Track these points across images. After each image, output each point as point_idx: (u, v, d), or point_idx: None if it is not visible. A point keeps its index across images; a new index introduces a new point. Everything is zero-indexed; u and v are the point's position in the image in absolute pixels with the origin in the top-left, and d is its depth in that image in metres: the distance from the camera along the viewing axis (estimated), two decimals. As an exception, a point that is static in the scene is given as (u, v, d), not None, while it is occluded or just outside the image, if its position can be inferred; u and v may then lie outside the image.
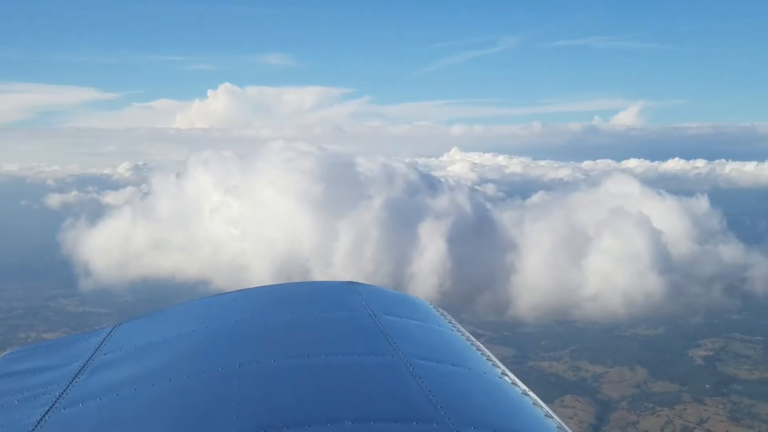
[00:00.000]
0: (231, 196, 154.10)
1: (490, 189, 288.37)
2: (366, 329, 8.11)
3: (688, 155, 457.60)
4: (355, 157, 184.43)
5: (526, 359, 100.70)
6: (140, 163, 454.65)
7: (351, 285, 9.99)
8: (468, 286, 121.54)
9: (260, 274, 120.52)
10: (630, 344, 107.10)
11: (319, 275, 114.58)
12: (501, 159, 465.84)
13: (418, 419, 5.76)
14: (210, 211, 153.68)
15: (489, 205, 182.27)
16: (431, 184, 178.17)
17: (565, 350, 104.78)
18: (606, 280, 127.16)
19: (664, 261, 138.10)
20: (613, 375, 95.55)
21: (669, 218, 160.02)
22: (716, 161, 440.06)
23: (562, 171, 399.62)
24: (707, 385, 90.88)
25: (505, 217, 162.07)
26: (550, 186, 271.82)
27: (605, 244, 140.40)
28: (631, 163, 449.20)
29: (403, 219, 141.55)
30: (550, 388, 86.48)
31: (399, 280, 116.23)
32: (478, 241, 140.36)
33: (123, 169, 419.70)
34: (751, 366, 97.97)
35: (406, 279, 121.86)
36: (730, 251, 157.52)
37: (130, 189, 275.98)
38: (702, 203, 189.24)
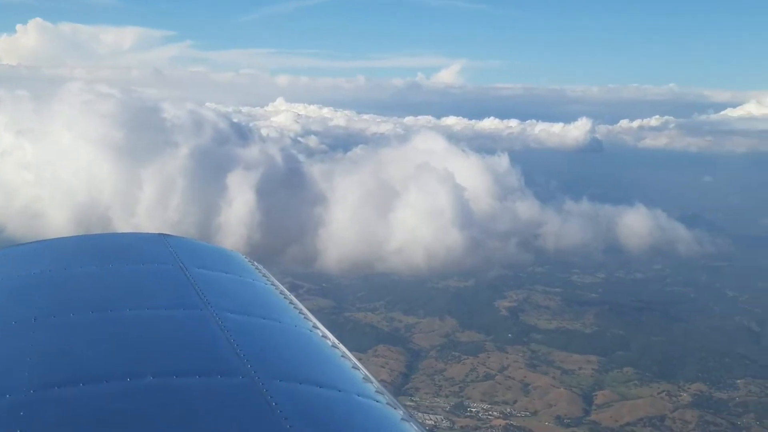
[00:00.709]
0: (24, 139, 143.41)
1: (313, 141, 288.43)
2: (175, 282, 7.87)
3: (502, 115, 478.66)
4: (162, 102, 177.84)
5: (343, 310, 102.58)
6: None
7: (162, 237, 9.63)
8: (277, 238, 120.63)
9: (57, 222, 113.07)
10: (442, 296, 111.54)
11: (121, 225, 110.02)
12: (326, 111, 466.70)
13: (223, 373, 5.70)
14: (0, 154, 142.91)
15: (302, 158, 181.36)
16: (242, 133, 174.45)
17: (381, 302, 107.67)
18: (410, 234, 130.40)
19: (466, 216, 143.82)
20: (424, 325, 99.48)
21: (472, 175, 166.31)
22: (527, 122, 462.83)
23: (385, 126, 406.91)
24: (510, 335, 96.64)
25: (317, 171, 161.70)
26: (372, 140, 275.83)
27: (411, 199, 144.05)
28: (451, 120, 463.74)
29: (211, 168, 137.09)
30: (364, 338, 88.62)
31: (206, 232, 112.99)
32: (289, 193, 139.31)
33: None
34: (550, 316, 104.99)
35: (214, 230, 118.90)
36: (527, 208, 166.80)
37: None
38: (503, 161, 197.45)
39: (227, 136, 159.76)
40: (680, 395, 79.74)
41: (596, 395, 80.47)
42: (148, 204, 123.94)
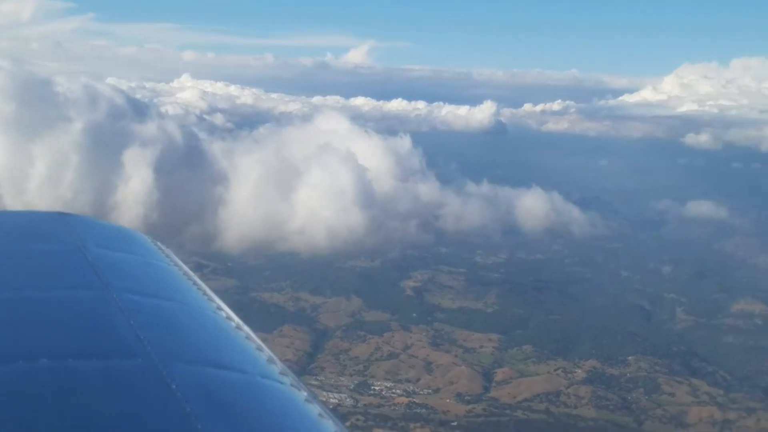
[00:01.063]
0: None
1: (219, 119, 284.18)
2: (74, 263, 7.60)
3: (410, 96, 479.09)
4: (57, 76, 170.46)
5: (249, 290, 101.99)
6: None
7: (61, 216, 9.18)
8: (175, 217, 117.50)
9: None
10: (348, 276, 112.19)
11: (11, 203, 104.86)
12: (233, 89, 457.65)
13: (122, 355, 5.54)
14: None
15: (204, 136, 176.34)
16: (140, 109, 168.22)
17: (287, 282, 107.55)
18: (312, 214, 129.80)
19: (368, 197, 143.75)
20: (330, 305, 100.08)
21: (374, 156, 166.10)
22: (435, 103, 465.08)
23: (293, 105, 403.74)
24: (414, 314, 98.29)
25: (219, 149, 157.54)
26: (280, 119, 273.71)
27: (313, 180, 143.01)
28: (359, 101, 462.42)
29: (106, 145, 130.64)
30: (270, 319, 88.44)
31: (101, 210, 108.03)
32: (189, 171, 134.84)
33: None
34: (453, 296, 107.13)
35: (109, 209, 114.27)
36: (428, 189, 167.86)
37: None
38: (405, 143, 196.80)
39: (124, 112, 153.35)
40: (575, 372, 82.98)
41: (496, 372, 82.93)
42: (40, 181, 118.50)
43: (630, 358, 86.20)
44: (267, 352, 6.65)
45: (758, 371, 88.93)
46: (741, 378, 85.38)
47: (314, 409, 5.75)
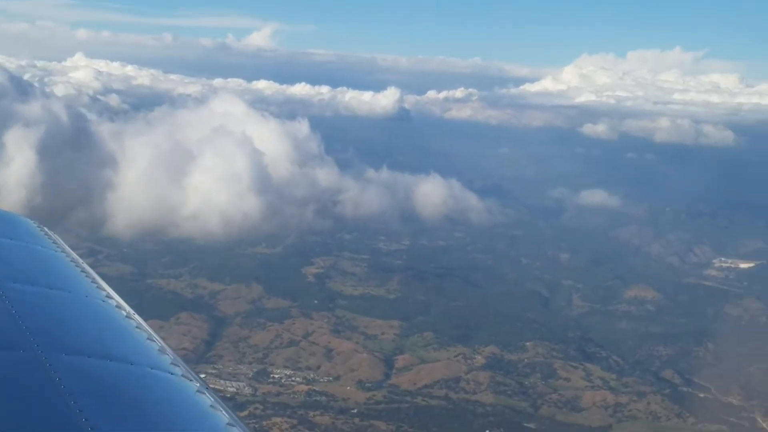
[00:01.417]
0: None
1: (114, 100, 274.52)
2: None
3: (314, 81, 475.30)
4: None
5: (145, 277, 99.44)
6: None
7: None
8: (60, 201, 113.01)
9: None
10: (249, 262, 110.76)
11: None
12: (129, 69, 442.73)
13: (3, 347, 5.28)
14: None
15: (94, 117, 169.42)
16: (22, 88, 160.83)
17: (185, 268, 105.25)
18: (206, 199, 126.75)
19: (264, 182, 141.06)
20: (230, 292, 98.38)
21: (271, 140, 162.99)
22: (338, 88, 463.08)
23: (192, 87, 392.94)
24: (315, 301, 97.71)
25: (108, 131, 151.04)
26: (178, 101, 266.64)
27: (207, 164, 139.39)
28: (262, 84, 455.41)
29: None
30: (166, 306, 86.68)
31: None
32: (76, 153, 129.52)
33: None
34: (355, 282, 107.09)
35: None
36: (326, 175, 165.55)
37: None
38: (303, 127, 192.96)
39: (5, 91, 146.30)
40: (475, 358, 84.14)
41: (397, 359, 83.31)
42: None
43: (528, 343, 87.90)
44: (158, 341, 6.44)
45: (649, 356, 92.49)
46: (633, 363, 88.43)
47: (206, 399, 5.59)
